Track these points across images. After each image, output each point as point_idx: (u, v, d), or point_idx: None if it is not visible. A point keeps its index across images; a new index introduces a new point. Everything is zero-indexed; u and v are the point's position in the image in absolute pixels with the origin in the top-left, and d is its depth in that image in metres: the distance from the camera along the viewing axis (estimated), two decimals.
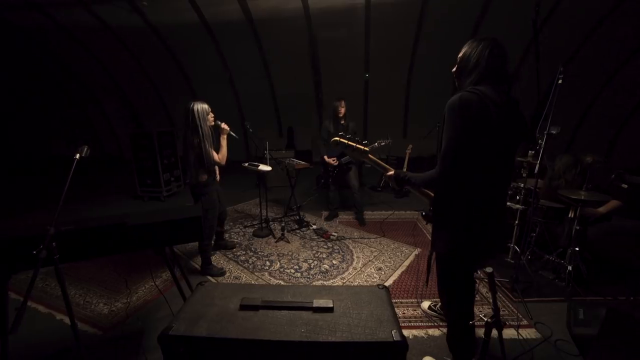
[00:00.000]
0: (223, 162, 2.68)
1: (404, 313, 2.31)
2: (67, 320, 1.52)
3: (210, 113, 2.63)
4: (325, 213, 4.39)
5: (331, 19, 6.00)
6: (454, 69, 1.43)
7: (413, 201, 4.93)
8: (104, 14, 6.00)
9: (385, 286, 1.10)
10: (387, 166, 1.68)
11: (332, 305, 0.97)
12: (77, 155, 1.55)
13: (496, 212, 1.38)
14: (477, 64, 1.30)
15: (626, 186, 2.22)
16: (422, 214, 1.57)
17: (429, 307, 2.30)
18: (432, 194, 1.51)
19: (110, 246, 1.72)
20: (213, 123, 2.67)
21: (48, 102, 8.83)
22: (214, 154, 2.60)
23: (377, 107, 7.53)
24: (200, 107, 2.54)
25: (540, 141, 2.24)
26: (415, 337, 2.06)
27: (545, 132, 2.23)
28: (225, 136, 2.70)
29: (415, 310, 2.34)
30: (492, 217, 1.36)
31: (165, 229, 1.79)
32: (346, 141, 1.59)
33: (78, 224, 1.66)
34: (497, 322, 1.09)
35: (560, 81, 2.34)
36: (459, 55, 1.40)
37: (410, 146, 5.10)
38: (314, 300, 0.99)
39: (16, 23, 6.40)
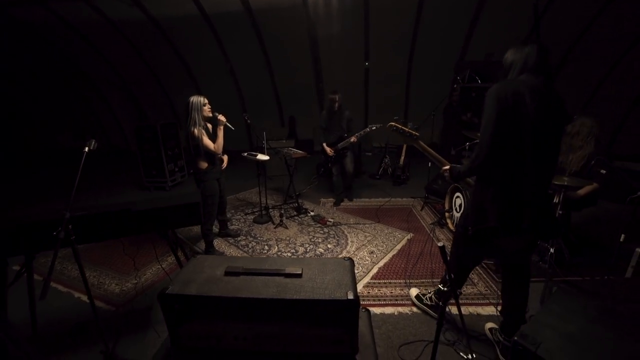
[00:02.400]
0: (219, 151, 2.80)
1: (392, 292, 2.49)
2: (84, 297, 1.71)
3: (207, 105, 2.71)
4: (323, 200, 4.56)
5: (330, 7, 6.01)
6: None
7: (410, 189, 5.06)
8: (105, 7, 6.11)
9: (350, 258, 1.26)
10: (442, 159, 1.75)
11: (300, 272, 1.15)
12: (86, 149, 1.72)
13: (530, 196, 1.39)
14: (512, 63, 1.47)
15: (604, 172, 2.32)
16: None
17: (417, 297, 2.29)
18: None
19: (119, 229, 1.91)
20: (210, 114, 2.74)
21: (54, 96, 9.04)
22: (210, 142, 2.71)
23: (378, 95, 7.56)
24: (196, 99, 2.67)
25: None
26: (400, 313, 2.25)
27: None
28: (221, 127, 2.79)
29: (402, 290, 2.51)
30: (525, 202, 1.38)
31: (167, 213, 1.98)
32: (400, 126, 1.79)
33: (89, 210, 1.85)
34: (453, 290, 1.24)
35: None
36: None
37: None
38: (286, 268, 1.16)
39: (19, 18, 6.54)
